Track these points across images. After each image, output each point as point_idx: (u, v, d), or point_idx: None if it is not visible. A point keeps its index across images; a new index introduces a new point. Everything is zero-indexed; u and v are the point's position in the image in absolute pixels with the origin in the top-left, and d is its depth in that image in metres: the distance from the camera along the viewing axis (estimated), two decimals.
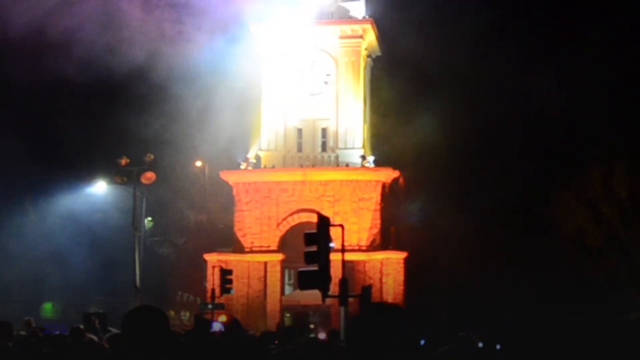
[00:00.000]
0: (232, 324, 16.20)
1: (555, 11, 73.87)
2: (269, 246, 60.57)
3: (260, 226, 61.13)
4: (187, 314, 51.87)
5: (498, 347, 13.36)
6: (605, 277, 49.51)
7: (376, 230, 60.39)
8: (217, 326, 17.06)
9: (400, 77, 62.88)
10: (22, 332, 19.69)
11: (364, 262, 58.16)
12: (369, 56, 65.53)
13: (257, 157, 62.75)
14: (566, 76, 61.88)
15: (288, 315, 56.48)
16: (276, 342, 15.62)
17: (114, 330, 17.48)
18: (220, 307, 47.05)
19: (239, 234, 61.51)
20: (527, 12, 66.25)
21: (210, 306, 48.25)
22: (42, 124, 56.69)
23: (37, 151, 58.45)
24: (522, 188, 56.25)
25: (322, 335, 30.42)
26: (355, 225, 57.59)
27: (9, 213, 60.70)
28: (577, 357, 2.55)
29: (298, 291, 45.81)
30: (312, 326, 52.58)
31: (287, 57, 62.52)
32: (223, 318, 33.75)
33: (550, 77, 61.80)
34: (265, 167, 62.33)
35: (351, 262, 48.14)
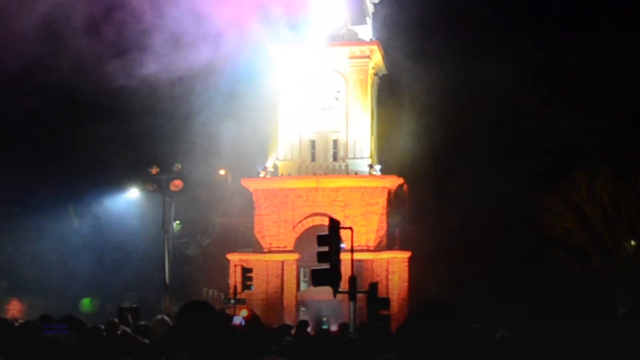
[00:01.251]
0: (252, 318, 16.10)
1: (544, 28, 73.76)
2: (285, 247, 60.56)
3: (278, 229, 61.10)
4: None
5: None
6: (590, 275, 49.32)
7: (382, 232, 60.34)
8: (237, 319, 16.99)
9: (404, 93, 62.82)
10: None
11: (372, 261, 58.08)
12: (375, 74, 65.50)
13: (275, 167, 62.77)
14: (555, 93, 61.81)
15: (303, 309, 56.38)
16: (292, 332, 15.55)
17: (144, 323, 17.44)
18: (241, 302, 47.00)
19: (258, 236, 61.51)
20: (514, 28, 65.98)
21: (232, 301, 48.17)
22: (82, 139, 56.67)
23: (78, 162, 58.55)
24: (515, 194, 56.04)
25: (333, 328, 30.28)
26: (364, 227, 57.47)
27: (55, 219, 60.82)
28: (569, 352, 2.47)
29: (312, 287, 45.72)
30: (324, 319, 52.42)
31: (302, 75, 62.53)
32: (244, 312, 33.59)
33: (542, 93, 61.75)
34: (282, 175, 62.34)
35: (360, 261, 47.95)
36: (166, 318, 13.02)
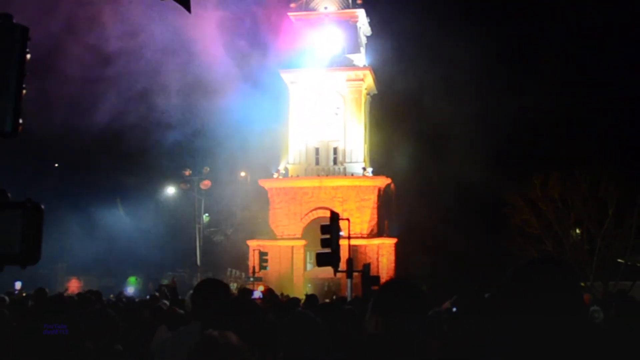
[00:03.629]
0: (268, 292, 15.98)
1: (507, 46, 73.66)
2: (294, 235, 60.51)
3: (288, 220, 61.04)
4: (235, 285, 51.73)
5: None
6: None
7: (374, 222, 60.29)
8: (257, 294, 16.93)
9: (391, 108, 62.79)
10: (112, 298, 19.64)
11: (365, 246, 58.00)
12: (368, 94, 65.50)
13: (286, 169, 62.83)
14: (517, 104, 61.78)
15: (309, 285, 56.23)
16: (301, 304, 15.40)
17: (180, 297, 17.34)
18: (258, 280, 47.05)
19: (272, 226, 61.46)
20: (484, 44, 65.79)
21: (251, 279, 48.23)
22: (130, 148, 56.57)
23: (124, 165, 58.50)
24: (483, 191, 55.99)
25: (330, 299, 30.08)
26: (358, 219, 57.47)
27: (107, 211, 60.81)
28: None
29: (316, 267, 45.55)
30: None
31: (308, 95, 62.59)
32: (261, 288, 33.49)
33: (509, 103, 61.76)
34: (292, 176, 62.33)
35: (355, 246, 47.90)
36: None
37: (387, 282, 3.88)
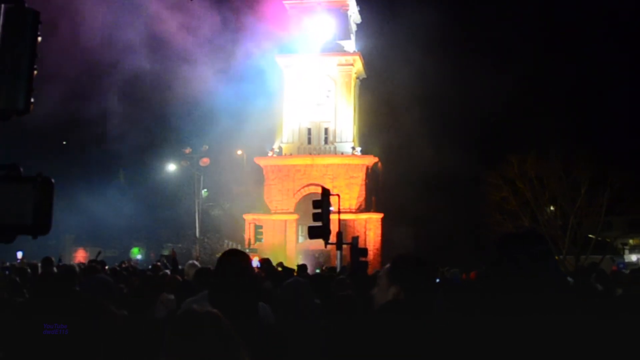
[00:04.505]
0: (265, 262, 16.06)
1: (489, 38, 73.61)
2: (287, 209, 60.61)
3: (282, 195, 61.14)
4: None
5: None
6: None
7: (362, 198, 60.42)
8: (254, 263, 16.97)
9: (378, 91, 62.72)
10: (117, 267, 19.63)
11: (353, 220, 58.12)
12: (357, 78, 65.32)
13: (280, 148, 62.86)
14: (495, 89, 61.75)
15: (301, 256, 56.38)
16: (295, 273, 15.45)
17: (180, 266, 17.35)
18: (254, 251, 47.04)
19: (267, 201, 61.55)
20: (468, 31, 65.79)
21: (247, 250, 48.21)
22: (132, 126, 56.34)
23: (129, 140, 58.18)
24: (464, 170, 56.13)
25: (322, 270, 30.15)
26: (348, 195, 57.46)
27: (111, 185, 60.60)
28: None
29: (308, 240, 45.55)
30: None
31: (301, 78, 62.48)
32: (257, 258, 33.58)
33: (485, 89, 61.75)
34: (285, 154, 62.34)
35: (344, 220, 47.86)
36: (196, 262, 12.93)
37: (403, 257, 4.01)
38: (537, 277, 2.59)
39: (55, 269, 11.59)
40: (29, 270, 12.72)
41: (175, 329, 3.05)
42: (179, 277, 10.96)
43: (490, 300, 2.57)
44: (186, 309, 3.20)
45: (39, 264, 13.28)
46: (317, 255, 53.89)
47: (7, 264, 18.97)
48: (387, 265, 4.09)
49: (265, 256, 23.68)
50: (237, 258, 5.26)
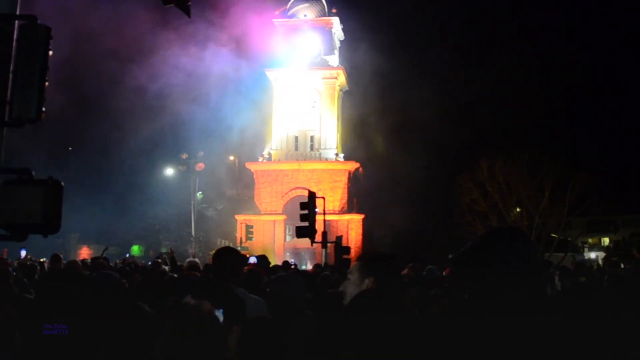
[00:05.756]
0: (262, 257, 16.04)
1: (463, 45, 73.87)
2: (276, 210, 60.57)
3: (271, 198, 61.09)
4: None
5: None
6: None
7: (344, 200, 60.47)
8: (252, 259, 16.97)
9: (360, 103, 62.84)
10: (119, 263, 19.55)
11: (337, 221, 58.10)
12: (340, 90, 65.42)
13: (269, 154, 62.86)
14: (468, 96, 62.07)
15: (288, 254, 56.35)
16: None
17: (178, 263, 17.29)
18: (245, 249, 46.96)
19: (257, 203, 61.48)
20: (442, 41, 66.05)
21: (239, 248, 48.09)
22: (133, 134, 56.02)
23: (132, 150, 57.83)
24: (439, 175, 56.37)
25: (309, 267, 30.19)
26: (332, 197, 57.51)
27: (112, 189, 60.31)
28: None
29: (295, 239, 45.61)
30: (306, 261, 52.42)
31: (289, 90, 62.55)
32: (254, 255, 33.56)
33: (458, 99, 62.06)
34: (274, 160, 62.34)
35: (329, 220, 47.82)
36: (194, 259, 12.89)
37: (372, 253, 4.10)
38: (531, 276, 2.56)
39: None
40: (37, 267, 12.63)
41: (173, 323, 3.04)
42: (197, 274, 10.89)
43: (499, 302, 2.50)
44: (182, 303, 3.20)
45: (45, 261, 13.19)
46: (303, 252, 53.90)
47: (12, 260, 18.75)
48: (358, 262, 4.15)
49: (255, 253, 23.62)
50: (230, 255, 5.37)
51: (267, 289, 5.25)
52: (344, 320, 3.24)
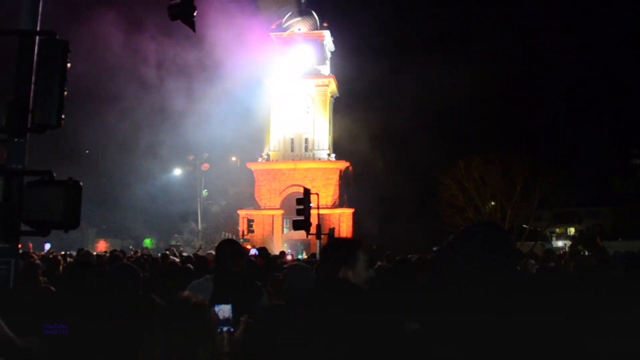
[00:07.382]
0: (262, 249, 16.01)
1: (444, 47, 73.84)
2: (274, 206, 60.52)
3: (270, 194, 61.02)
4: None
5: None
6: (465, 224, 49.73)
7: (336, 196, 60.43)
8: (253, 251, 16.94)
9: (350, 107, 62.88)
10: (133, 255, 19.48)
11: (329, 214, 58.08)
12: (332, 96, 65.37)
13: (268, 155, 62.80)
14: (447, 104, 62.11)
15: (285, 245, 56.32)
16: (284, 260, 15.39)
17: (186, 254, 17.23)
18: (246, 241, 46.87)
19: (257, 199, 61.40)
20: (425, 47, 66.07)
21: (241, 240, 47.99)
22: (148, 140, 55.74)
23: (142, 151, 57.42)
24: (422, 173, 56.46)
25: (305, 257, 30.15)
26: (325, 193, 57.51)
27: (126, 187, 60.14)
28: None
29: (292, 231, 45.67)
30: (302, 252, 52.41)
31: (285, 96, 62.47)
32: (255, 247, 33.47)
33: (438, 104, 62.05)
34: (272, 160, 62.26)
35: (322, 214, 47.93)
36: (212, 252, 12.81)
37: (350, 244, 3.79)
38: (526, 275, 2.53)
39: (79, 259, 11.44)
40: (61, 259, 12.56)
41: (163, 315, 2.94)
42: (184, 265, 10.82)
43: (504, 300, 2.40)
44: (174, 297, 3.08)
45: (67, 254, 13.10)
46: (299, 244, 53.86)
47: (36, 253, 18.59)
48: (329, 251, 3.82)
49: (256, 245, 23.61)
50: (232, 246, 5.38)
51: (280, 277, 5.19)
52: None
